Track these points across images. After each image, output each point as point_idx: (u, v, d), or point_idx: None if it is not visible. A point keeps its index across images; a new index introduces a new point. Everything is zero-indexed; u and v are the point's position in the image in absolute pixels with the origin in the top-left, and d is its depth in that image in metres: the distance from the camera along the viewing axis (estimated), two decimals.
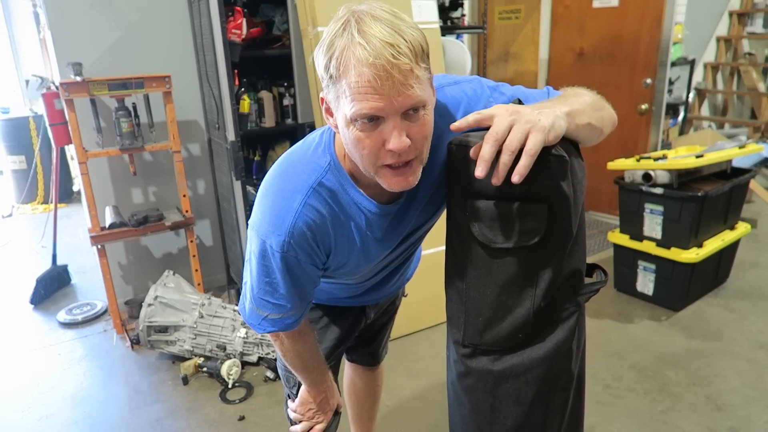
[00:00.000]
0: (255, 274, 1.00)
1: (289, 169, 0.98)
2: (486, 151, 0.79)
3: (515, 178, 0.79)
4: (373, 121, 0.80)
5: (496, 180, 0.81)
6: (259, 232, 0.96)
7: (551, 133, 0.80)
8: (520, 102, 0.93)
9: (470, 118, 0.84)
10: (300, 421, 1.27)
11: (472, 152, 0.84)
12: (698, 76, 5.58)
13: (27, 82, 3.22)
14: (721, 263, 3.01)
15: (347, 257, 1.02)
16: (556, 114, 0.83)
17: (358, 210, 0.97)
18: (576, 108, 0.89)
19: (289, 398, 1.34)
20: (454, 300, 0.99)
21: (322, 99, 0.88)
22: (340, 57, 0.78)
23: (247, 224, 2.98)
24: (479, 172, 0.79)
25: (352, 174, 0.95)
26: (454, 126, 0.85)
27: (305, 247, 0.95)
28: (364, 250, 1.02)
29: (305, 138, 1.04)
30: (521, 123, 0.79)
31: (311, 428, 1.26)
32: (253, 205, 3.01)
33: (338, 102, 0.82)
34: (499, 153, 0.80)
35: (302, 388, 1.25)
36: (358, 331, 1.43)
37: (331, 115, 0.88)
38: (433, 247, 2.06)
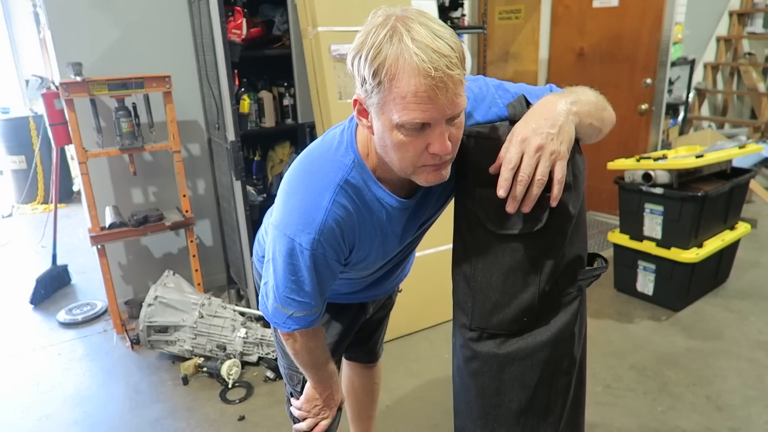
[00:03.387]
0: (281, 272, 1.01)
1: (313, 167, 0.99)
2: (507, 182, 0.88)
3: (553, 203, 0.89)
4: (420, 128, 0.83)
5: (515, 209, 0.89)
6: (287, 231, 0.97)
7: (568, 150, 0.88)
8: (525, 99, 0.96)
9: (498, 162, 0.90)
10: (305, 418, 1.27)
11: (492, 169, 0.91)
12: (698, 76, 5.58)
13: (27, 82, 3.22)
14: (721, 263, 3.01)
15: (368, 251, 1.05)
16: (567, 120, 0.88)
17: (380, 205, 1.00)
18: (583, 109, 0.92)
19: (292, 396, 1.35)
20: (461, 285, 1.02)
21: (356, 101, 0.89)
22: (394, 65, 0.79)
23: (248, 224, 2.95)
24: (510, 208, 0.89)
25: (374, 171, 0.98)
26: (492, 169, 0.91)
27: (333, 244, 0.97)
28: (384, 243, 1.06)
29: (323, 137, 1.05)
30: (532, 155, 0.86)
31: (316, 425, 1.27)
32: (252, 205, 2.98)
33: (384, 107, 0.83)
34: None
35: (307, 385, 1.26)
36: (358, 326, 1.44)
37: (366, 117, 0.89)
38: (432, 247, 2.06)
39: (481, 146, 0.94)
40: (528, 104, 0.95)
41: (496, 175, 0.89)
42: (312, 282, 1.00)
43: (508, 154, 0.87)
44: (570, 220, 0.94)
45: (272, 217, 1.02)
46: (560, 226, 0.93)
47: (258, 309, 1.18)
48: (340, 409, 1.31)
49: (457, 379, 1.08)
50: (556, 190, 0.87)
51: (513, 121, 0.92)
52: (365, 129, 0.92)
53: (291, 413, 1.33)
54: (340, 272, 1.07)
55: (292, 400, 1.33)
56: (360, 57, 0.82)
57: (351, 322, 1.40)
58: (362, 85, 0.85)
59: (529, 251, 0.93)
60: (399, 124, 0.82)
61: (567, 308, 0.98)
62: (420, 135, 0.84)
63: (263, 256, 1.12)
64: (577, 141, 0.94)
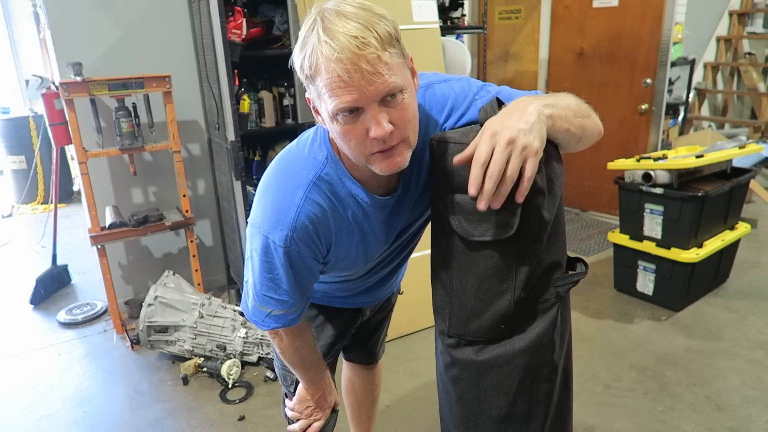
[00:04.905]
0: (257, 270, 1.01)
1: (287, 165, 0.99)
2: (478, 179, 0.83)
3: (519, 199, 0.84)
4: (353, 113, 0.83)
5: (486, 206, 0.84)
6: (261, 229, 0.97)
7: (541, 147, 0.84)
8: (499, 102, 0.95)
9: (465, 153, 0.86)
10: (298, 419, 1.27)
11: (456, 160, 0.87)
12: (698, 76, 5.58)
13: (27, 82, 3.23)
14: (721, 263, 3.01)
15: (346, 250, 1.04)
16: (539, 120, 0.85)
17: (356, 202, 0.99)
18: (558, 113, 0.89)
19: (287, 397, 1.35)
20: (439, 291, 1.02)
21: (308, 99, 0.90)
22: (311, 57, 0.81)
23: (247, 224, 2.97)
24: (481, 205, 0.84)
25: (348, 167, 0.97)
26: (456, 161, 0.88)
27: (307, 241, 0.96)
28: (363, 242, 1.04)
29: (300, 136, 1.06)
30: (503, 148, 0.81)
31: (309, 426, 1.27)
32: (253, 204, 2.96)
33: (320, 100, 0.85)
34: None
35: (300, 385, 1.26)
36: (354, 329, 1.44)
37: (318, 113, 0.90)
38: None
39: (452, 151, 0.92)
40: (501, 107, 0.93)
41: (467, 180, 0.86)
42: (289, 280, 1.00)
43: (478, 150, 0.83)
44: (545, 226, 0.92)
45: (249, 215, 1.02)
46: (534, 233, 0.91)
47: None
48: (335, 410, 1.31)
49: (440, 385, 1.09)
50: (524, 187, 0.83)
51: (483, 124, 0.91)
52: (322, 125, 0.92)
53: (286, 414, 1.33)
54: (320, 272, 1.06)
55: (286, 400, 1.33)
56: (295, 54, 0.85)
57: (346, 325, 1.39)
58: (304, 82, 0.87)
59: (502, 258, 0.92)
60: (333, 114, 0.83)
61: (544, 315, 0.97)
62: (357, 121, 0.83)
63: None
64: (556, 148, 0.93)
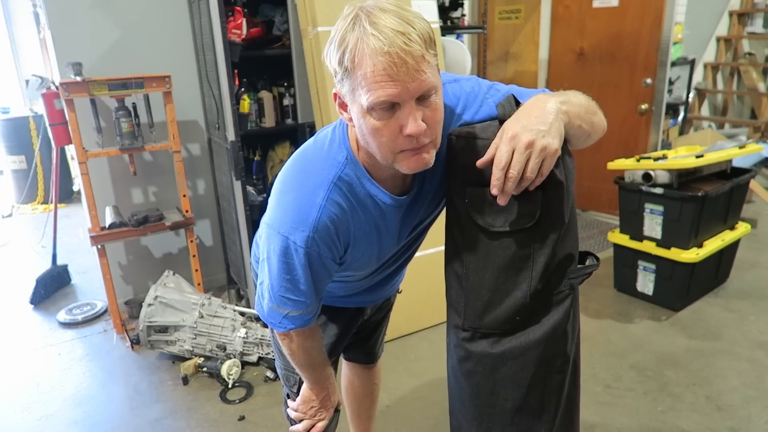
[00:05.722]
0: (276, 272, 1.01)
1: (306, 165, 1.00)
2: (499, 181, 0.87)
3: (530, 187, 0.89)
4: (389, 108, 0.83)
5: (506, 201, 0.89)
6: (280, 229, 0.97)
7: (559, 146, 0.87)
8: (515, 99, 0.97)
9: (486, 157, 0.90)
10: (301, 420, 1.27)
11: (479, 163, 0.90)
12: (698, 76, 5.58)
13: (27, 82, 3.23)
14: (721, 263, 3.01)
15: (362, 250, 1.04)
16: (557, 119, 0.88)
17: (374, 203, 0.99)
18: (573, 110, 0.92)
19: (289, 398, 1.34)
20: (453, 285, 1.02)
21: (335, 95, 0.91)
22: (354, 49, 0.81)
23: (248, 224, 2.94)
24: (502, 201, 0.89)
25: (367, 167, 0.97)
26: (479, 163, 0.91)
27: (328, 242, 0.97)
28: (379, 242, 1.05)
29: (316, 135, 1.06)
30: (522, 152, 0.85)
31: (313, 426, 1.27)
32: (252, 205, 2.97)
33: (354, 94, 0.85)
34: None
35: (304, 386, 1.26)
36: (356, 328, 1.44)
37: (346, 109, 0.90)
38: (433, 247, 2.06)
39: (470, 146, 0.94)
40: (517, 104, 0.95)
41: (487, 174, 0.89)
42: (307, 281, 1.00)
43: (499, 153, 0.87)
44: (562, 217, 0.94)
45: (265, 216, 1.02)
46: (552, 223, 0.94)
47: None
48: (337, 410, 1.31)
49: (452, 379, 1.09)
50: (537, 181, 0.88)
51: (502, 120, 0.93)
52: (347, 122, 0.93)
53: (288, 415, 1.33)
54: (335, 271, 1.06)
55: (289, 401, 1.33)
56: (329, 49, 0.86)
57: (348, 323, 1.40)
58: (335, 76, 0.87)
59: (521, 248, 0.94)
60: (369, 108, 0.83)
61: (559, 306, 0.98)
62: (392, 117, 0.84)
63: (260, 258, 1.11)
64: (565, 142, 0.94)
